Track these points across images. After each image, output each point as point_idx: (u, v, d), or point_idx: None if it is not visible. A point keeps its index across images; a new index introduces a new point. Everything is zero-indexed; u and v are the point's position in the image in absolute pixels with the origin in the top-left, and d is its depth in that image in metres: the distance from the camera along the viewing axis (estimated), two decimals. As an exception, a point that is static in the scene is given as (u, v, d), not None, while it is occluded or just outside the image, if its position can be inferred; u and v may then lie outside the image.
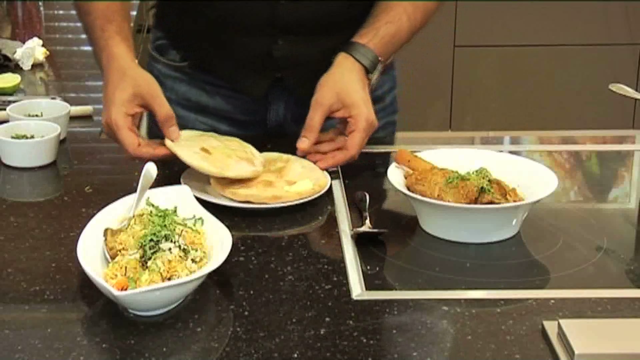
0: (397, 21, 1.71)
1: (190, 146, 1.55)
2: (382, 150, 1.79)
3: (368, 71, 1.67)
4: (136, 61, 1.63)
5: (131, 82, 1.55)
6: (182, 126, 1.66)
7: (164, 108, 1.55)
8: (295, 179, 1.54)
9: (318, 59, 1.72)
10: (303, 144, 1.60)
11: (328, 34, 1.74)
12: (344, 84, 1.62)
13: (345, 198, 1.54)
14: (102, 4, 1.65)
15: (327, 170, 1.59)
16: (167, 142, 1.54)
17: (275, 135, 1.82)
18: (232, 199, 1.49)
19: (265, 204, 1.48)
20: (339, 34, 1.72)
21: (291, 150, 1.62)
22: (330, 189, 1.56)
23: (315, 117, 1.61)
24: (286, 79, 1.79)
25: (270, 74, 1.79)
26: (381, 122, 1.66)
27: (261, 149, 1.62)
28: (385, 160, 1.74)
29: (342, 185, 1.59)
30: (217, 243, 1.27)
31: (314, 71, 1.68)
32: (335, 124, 1.66)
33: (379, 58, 1.68)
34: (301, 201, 1.50)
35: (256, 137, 1.66)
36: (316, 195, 1.51)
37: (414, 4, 1.73)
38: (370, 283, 1.29)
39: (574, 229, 1.50)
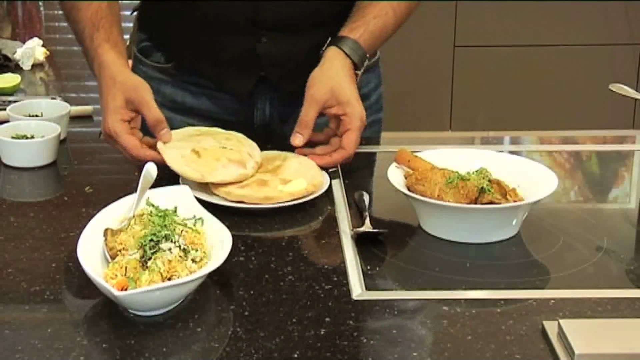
0: (384, 15, 1.70)
1: (182, 147, 1.54)
2: (382, 150, 1.79)
3: (356, 67, 1.67)
4: (128, 64, 1.64)
5: (121, 88, 1.56)
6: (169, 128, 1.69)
7: (152, 112, 1.55)
8: (291, 177, 1.53)
9: (302, 55, 1.73)
10: (297, 139, 1.60)
11: (312, 30, 1.74)
12: (338, 81, 1.62)
13: (345, 198, 1.54)
14: (90, 11, 1.65)
15: (326, 170, 1.59)
16: (159, 144, 1.55)
17: (275, 137, 1.82)
18: (226, 199, 1.49)
19: (258, 204, 1.48)
20: (322, 30, 1.72)
21: (290, 148, 1.62)
22: (330, 189, 1.56)
23: (309, 113, 1.60)
24: (271, 76, 1.79)
25: (254, 73, 1.78)
26: (367, 119, 1.66)
27: (262, 148, 1.62)
28: (385, 160, 1.74)
29: (342, 185, 1.59)
30: (217, 243, 1.27)
31: (298, 68, 1.68)
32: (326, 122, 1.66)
33: (366, 54, 1.68)
34: (297, 202, 1.49)
35: (256, 137, 1.66)
36: (309, 198, 1.51)
37: None
38: (370, 283, 1.29)
39: (574, 229, 1.50)
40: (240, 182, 1.51)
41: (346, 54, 1.65)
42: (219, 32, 1.74)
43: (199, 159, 1.52)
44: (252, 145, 1.60)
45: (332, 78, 1.62)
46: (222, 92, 1.82)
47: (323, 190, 1.53)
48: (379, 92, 1.93)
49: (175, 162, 1.51)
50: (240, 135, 1.63)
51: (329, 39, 1.68)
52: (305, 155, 1.61)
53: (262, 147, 1.62)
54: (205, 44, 1.77)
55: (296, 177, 1.53)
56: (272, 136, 1.82)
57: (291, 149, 1.62)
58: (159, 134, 1.55)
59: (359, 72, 1.67)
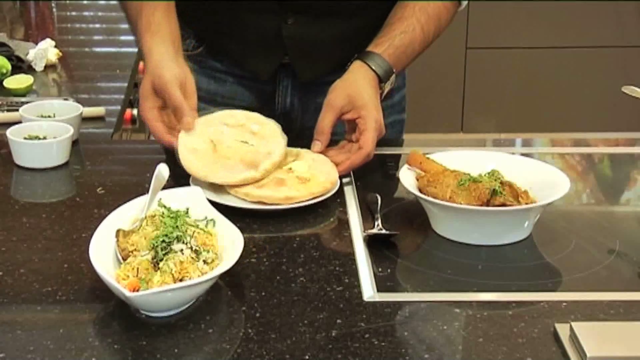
0: (411, 32, 1.72)
1: (203, 134, 1.55)
2: (394, 152, 1.79)
3: (381, 80, 1.67)
4: (169, 46, 1.62)
5: (149, 77, 1.58)
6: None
7: (172, 99, 1.56)
8: (307, 175, 1.53)
9: (327, 43, 1.76)
10: (316, 147, 1.61)
11: (337, 17, 1.76)
12: (356, 88, 1.63)
13: (357, 200, 1.54)
14: None
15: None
16: (181, 133, 1.55)
17: (295, 127, 1.85)
18: (245, 200, 1.49)
19: (279, 204, 1.48)
20: (350, 20, 1.75)
21: (306, 140, 1.63)
22: (342, 191, 1.56)
23: (326, 119, 1.61)
24: (293, 61, 1.80)
25: (278, 56, 1.80)
26: (389, 119, 1.67)
27: None
28: (397, 162, 1.74)
29: (354, 187, 1.59)
30: (228, 244, 1.27)
31: (321, 55, 1.72)
32: (343, 133, 1.66)
33: (393, 69, 1.68)
34: (314, 201, 1.49)
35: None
36: (328, 195, 1.51)
37: (428, 15, 1.74)
38: (381, 285, 1.29)
39: (586, 232, 1.50)
40: (247, 184, 1.51)
41: (370, 66, 1.67)
42: (247, 11, 1.76)
43: (212, 153, 1.52)
44: (277, 142, 1.58)
45: (351, 85, 1.64)
46: (245, 78, 1.84)
47: (336, 190, 1.53)
48: (402, 93, 1.93)
49: (184, 156, 1.52)
50: (273, 126, 1.61)
51: (355, 55, 1.70)
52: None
53: None
54: (232, 24, 1.79)
55: (312, 175, 1.53)
56: (293, 125, 1.85)
57: (307, 141, 1.63)
58: (179, 121, 1.56)
59: (384, 86, 1.68)
